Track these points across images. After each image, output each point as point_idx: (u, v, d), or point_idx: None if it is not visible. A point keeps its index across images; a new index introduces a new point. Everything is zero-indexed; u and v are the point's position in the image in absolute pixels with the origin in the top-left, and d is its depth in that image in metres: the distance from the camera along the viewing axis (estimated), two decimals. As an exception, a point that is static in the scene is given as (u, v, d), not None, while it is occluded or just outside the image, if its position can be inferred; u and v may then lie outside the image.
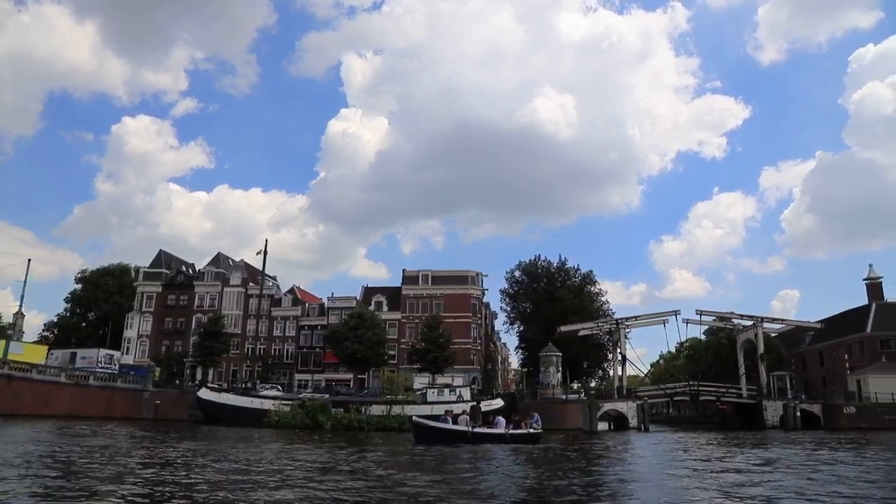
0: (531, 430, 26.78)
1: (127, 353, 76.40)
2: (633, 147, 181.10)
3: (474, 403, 32.69)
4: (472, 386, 59.65)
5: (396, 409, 47.56)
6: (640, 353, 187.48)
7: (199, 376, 71.74)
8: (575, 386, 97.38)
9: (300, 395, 51.87)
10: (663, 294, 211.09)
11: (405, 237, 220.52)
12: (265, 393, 52.76)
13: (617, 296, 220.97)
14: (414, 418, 27.70)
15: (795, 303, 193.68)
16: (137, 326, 78.59)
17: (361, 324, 61.92)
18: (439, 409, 49.66)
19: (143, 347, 77.94)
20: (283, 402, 48.68)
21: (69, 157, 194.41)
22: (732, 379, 69.78)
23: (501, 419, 27.21)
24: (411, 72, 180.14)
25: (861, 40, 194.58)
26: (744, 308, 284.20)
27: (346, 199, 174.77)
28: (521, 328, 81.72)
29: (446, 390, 51.28)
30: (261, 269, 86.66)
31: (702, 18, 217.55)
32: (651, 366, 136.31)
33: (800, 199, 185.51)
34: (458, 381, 68.64)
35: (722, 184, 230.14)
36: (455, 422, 25.85)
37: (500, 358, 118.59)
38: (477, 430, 25.44)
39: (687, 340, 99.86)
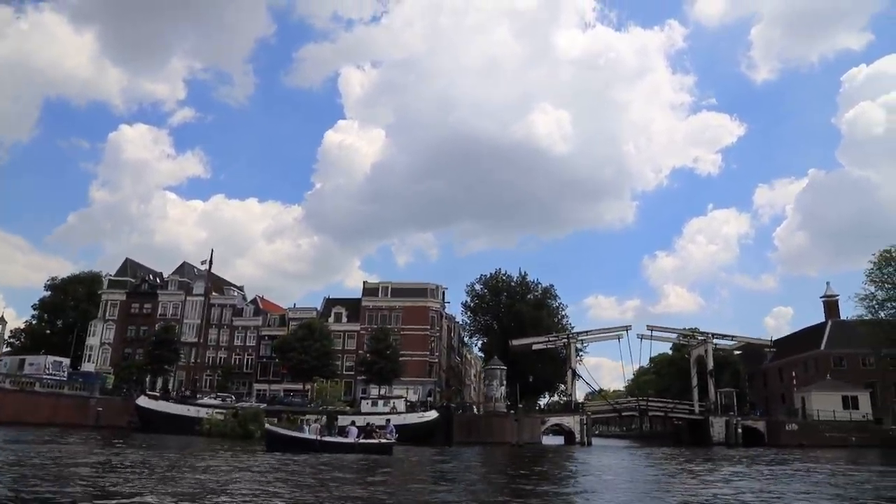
0: (383, 441, 27.37)
1: (89, 361, 77.35)
2: (629, 163, 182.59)
3: (329, 413, 33.23)
4: (409, 398, 59.80)
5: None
6: (620, 367, 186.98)
7: (159, 385, 72.58)
8: (542, 402, 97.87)
9: (236, 404, 52.51)
10: (657, 309, 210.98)
11: (400, 249, 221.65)
12: (202, 402, 53.51)
13: (611, 311, 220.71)
14: (266, 426, 28.40)
15: (789, 320, 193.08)
16: (100, 334, 79.44)
17: (310, 335, 62.59)
18: (373, 420, 50.51)
19: (106, 355, 78.72)
20: (218, 410, 49.42)
21: (65, 164, 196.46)
22: (691, 395, 69.95)
23: (354, 429, 27.80)
24: (409, 84, 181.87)
25: (853, 61, 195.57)
26: (737, 325, 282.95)
27: (341, 211, 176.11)
28: (483, 341, 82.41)
29: (380, 402, 51.96)
30: (225, 279, 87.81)
31: (697, 37, 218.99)
32: (628, 381, 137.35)
33: (792, 217, 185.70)
34: (414, 392, 69.39)
35: (716, 200, 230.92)
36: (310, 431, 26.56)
37: (472, 371, 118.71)
38: (325, 438, 26.08)
39: (658, 356, 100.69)
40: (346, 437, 26.82)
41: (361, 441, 26.62)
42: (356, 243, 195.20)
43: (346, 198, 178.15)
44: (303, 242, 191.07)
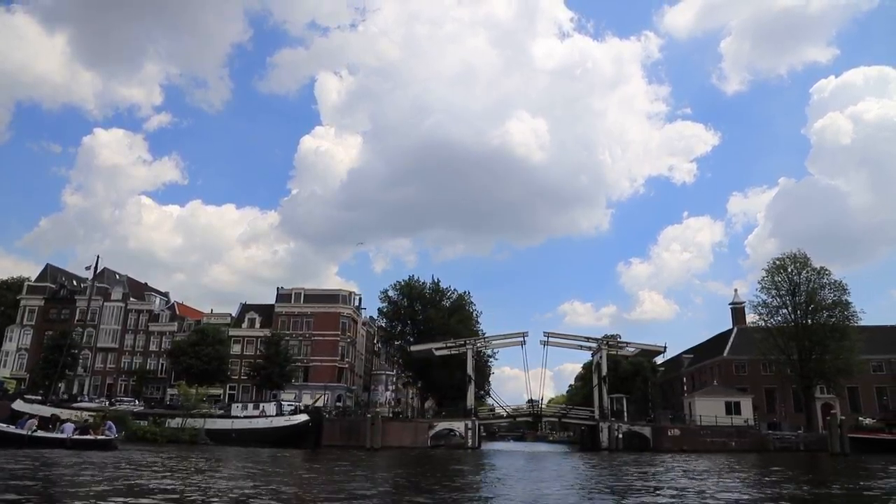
0: (100, 437, 27.92)
1: (4, 366, 77.99)
2: (604, 171, 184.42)
3: (54, 412, 33.87)
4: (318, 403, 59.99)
5: (195, 422, 49.03)
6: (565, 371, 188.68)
7: (74, 389, 73.24)
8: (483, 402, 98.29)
9: (111, 408, 53.11)
10: (632, 316, 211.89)
11: (377, 256, 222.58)
12: (78, 405, 54.09)
13: (587, 317, 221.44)
14: None
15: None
16: (17, 339, 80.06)
17: (203, 339, 63.16)
18: (241, 424, 51.09)
19: (22, 360, 79.31)
20: (90, 413, 50.03)
21: (37, 168, 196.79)
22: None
23: (69, 425, 28.41)
24: (386, 91, 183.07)
25: (821, 73, 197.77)
26: (710, 330, 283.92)
27: (317, 217, 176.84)
28: (398, 347, 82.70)
29: (250, 405, 52.53)
30: (148, 285, 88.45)
31: (671, 47, 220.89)
32: (569, 386, 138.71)
33: (763, 225, 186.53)
34: (310, 397, 69.77)
35: (691, 208, 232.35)
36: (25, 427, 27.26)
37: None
38: (36, 434, 26.72)
39: (588, 361, 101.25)
40: (62, 433, 27.43)
41: (74, 437, 27.23)
42: (333, 249, 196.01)
43: (323, 204, 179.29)
44: (279, 248, 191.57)
